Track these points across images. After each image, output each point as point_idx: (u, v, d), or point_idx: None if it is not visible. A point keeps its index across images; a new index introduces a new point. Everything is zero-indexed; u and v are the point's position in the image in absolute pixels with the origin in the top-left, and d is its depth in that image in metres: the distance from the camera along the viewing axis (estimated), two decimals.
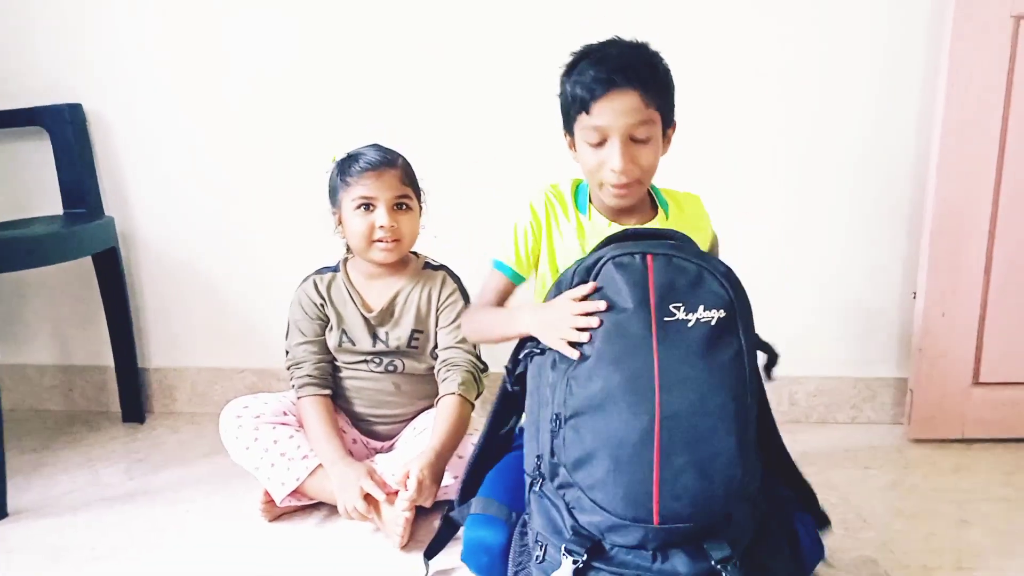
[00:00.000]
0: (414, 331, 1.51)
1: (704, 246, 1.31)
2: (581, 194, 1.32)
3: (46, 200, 1.90)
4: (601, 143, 1.18)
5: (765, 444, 1.17)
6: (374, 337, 1.51)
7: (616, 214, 1.30)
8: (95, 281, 1.89)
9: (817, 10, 1.75)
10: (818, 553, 1.17)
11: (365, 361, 1.52)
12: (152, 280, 1.98)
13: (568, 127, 1.25)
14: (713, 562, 0.92)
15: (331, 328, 1.52)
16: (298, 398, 1.49)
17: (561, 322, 1.02)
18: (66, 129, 1.84)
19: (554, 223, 1.31)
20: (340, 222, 1.50)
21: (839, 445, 1.81)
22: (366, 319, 1.51)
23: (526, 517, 1.05)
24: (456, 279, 1.55)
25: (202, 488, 1.58)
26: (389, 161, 1.46)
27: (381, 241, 1.45)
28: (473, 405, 1.49)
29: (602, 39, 1.22)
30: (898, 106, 1.78)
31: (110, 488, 1.59)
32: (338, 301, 1.52)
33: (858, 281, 1.87)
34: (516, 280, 1.33)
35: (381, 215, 1.43)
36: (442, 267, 1.57)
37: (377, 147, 1.49)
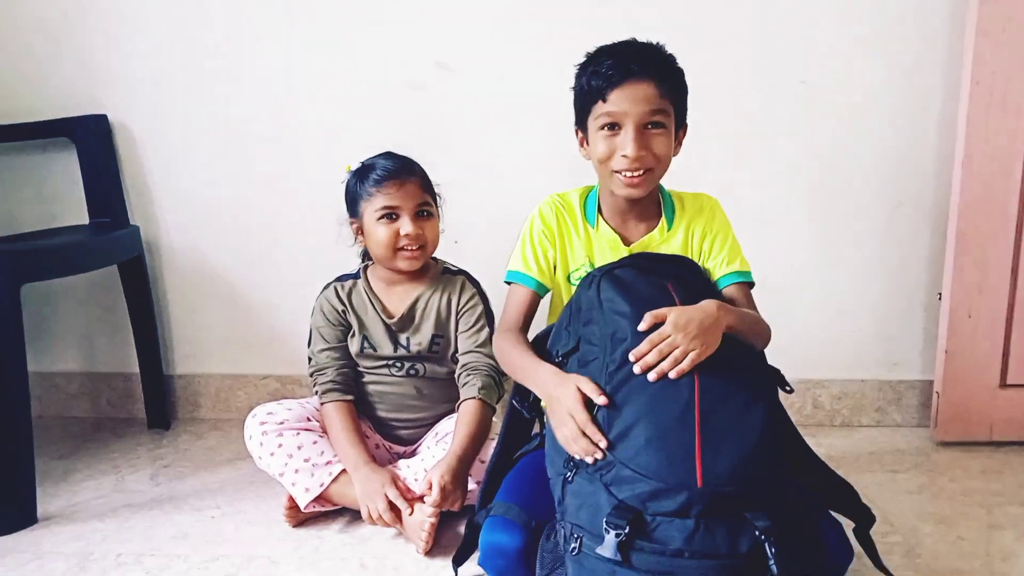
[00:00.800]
0: (435, 336, 1.52)
1: (698, 240, 1.32)
2: (590, 204, 1.33)
3: (73, 210, 1.93)
4: (615, 132, 1.20)
5: (789, 448, 1.18)
6: (395, 343, 1.52)
7: (623, 221, 1.32)
8: (120, 289, 1.92)
9: (839, 10, 1.74)
10: (846, 557, 1.16)
11: (387, 366, 1.52)
12: (176, 288, 2.00)
13: (581, 121, 1.26)
14: (756, 531, 0.91)
15: (353, 334, 1.52)
16: (321, 404, 1.50)
17: (569, 429, 1.02)
18: (92, 140, 1.87)
19: (564, 231, 1.32)
20: (359, 232, 1.51)
21: (864, 449, 1.79)
22: (387, 325, 1.52)
23: (554, 522, 1.05)
24: (475, 283, 1.56)
25: (228, 494, 1.59)
26: (409, 169, 1.47)
27: (405, 249, 1.46)
28: (494, 409, 1.49)
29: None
30: (921, 105, 1.76)
31: (136, 494, 1.60)
32: (359, 308, 1.53)
33: (882, 282, 1.85)
34: (540, 291, 1.32)
35: (406, 223, 1.44)
36: (461, 272, 1.57)
37: (391, 155, 1.50)
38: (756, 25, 1.76)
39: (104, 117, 1.89)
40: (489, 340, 1.49)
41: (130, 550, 1.38)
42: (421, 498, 1.34)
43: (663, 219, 1.31)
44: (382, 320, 1.52)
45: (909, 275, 1.84)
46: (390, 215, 1.45)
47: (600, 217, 1.31)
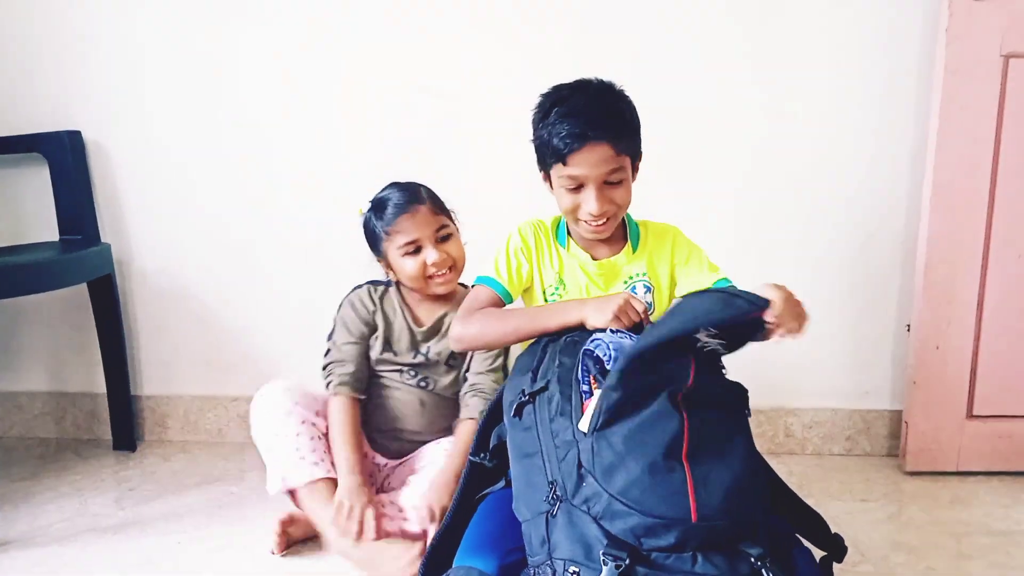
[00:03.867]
0: (453, 352, 1.53)
1: (665, 268, 1.39)
2: (561, 229, 1.41)
3: (43, 227, 1.90)
4: (577, 189, 1.27)
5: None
6: (416, 350, 1.52)
7: (591, 246, 1.38)
8: (89, 307, 1.88)
9: (812, 47, 1.78)
10: None
11: (400, 371, 1.52)
12: (146, 307, 1.97)
13: (543, 168, 1.33)
14: (752, 559, 0.92)
15: (376, 337, 1.52)
16: (332, 395, 1.48)
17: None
18: (64, 156, 1.85)
19: (539, 251, 1.38)
20: (388, 267, 1.52)
21: (835, 477, 1.81)
22: (413, 332, 1.53)
23: (529, 569, 1.03)
24: None
25: (195, 518, 1.57)
26: (416, 197, 1.48)
27: (436, 276, 1.48)
28: None
29: (570, 81, 1.28)
30: (892, 141, 1.80)
31: (100, 518, 1.57)
32: (389, 311, 1.54)
33: (852, 314, 1.88)
34: (506, 298, 1.37)
35: (430, 253, 1.46)
36: None
37: (396, 186, 1.51)
38: (727, 59, 1.79)
39: (78, 133, 1.87)
40: (501, 368, 1.52)
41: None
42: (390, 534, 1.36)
43: (628, 243, 1.39)
44: (409, 327, 1.53)
45: (879, 306, 1.87)
46: (414, 249, 1.46)
47: (570, 239, 1.39)
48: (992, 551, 1.45)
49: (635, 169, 1.32)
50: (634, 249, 1.38)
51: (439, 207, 1.51)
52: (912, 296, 1.79)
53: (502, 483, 1.25)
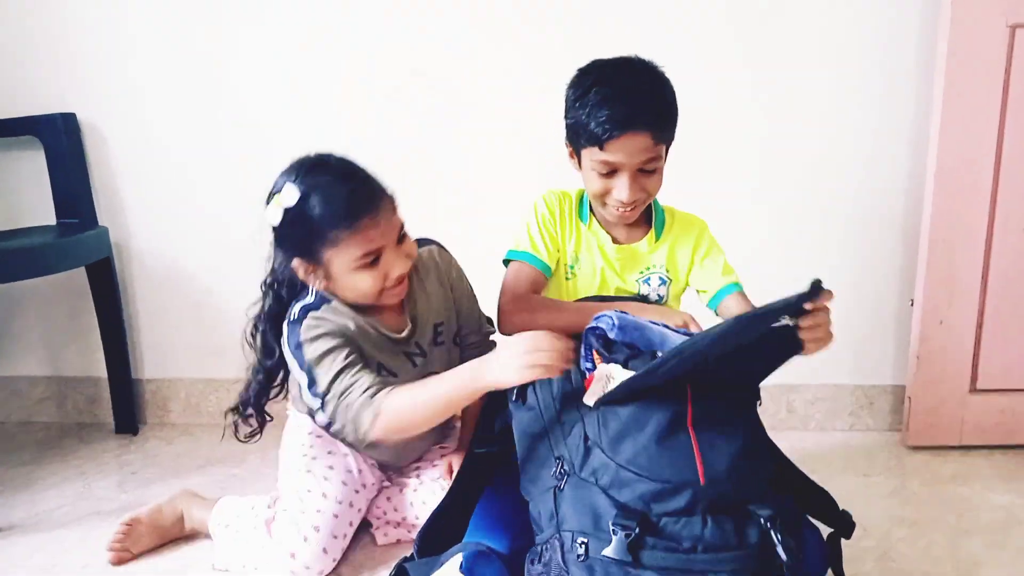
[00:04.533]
0: (436, 326, 1.33)
1: (685, 260, 1.37)
2: (584, 203, 1.38)
3: (39, 210, 1.89)
4: (610, 174, 1.23)
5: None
6: (411, 358, 1.31)
7: (612, 227, 1.36)
8: (88, 291, 1.88)
9: (813, 25, 1.75)
10: (820, 568, 1.17)
11: (395, 375, 1.30)
12: (146, 290, 1.96)
13: (573, 143, 1.28)
14: (762, 519, 0.93)
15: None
16: (378, 414, 1.11)
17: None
18: (60, 139, 1.83)
19: (563, 222, 1.35)
20: (312, 275, 1.20)
21: (838, 453, 1.81)
22: (395, 341, 1.28)
23: (536, 546, 1.03)
24: (444, 249, 1.39)
25: None
26: (377, 191, 1.18)
27: (393, 289, 1.21)
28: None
29: (611, 58, 1.24)
30: (895, 116, 1.78)
31: (103, 502, 1.57)
32: (361, 336, 1.23)
33: (856, 289, 1.86)
34: (546, 272, 1.32)
35: (395, 264, 1.19)
36: (426, 240, 1.36)
37: (331, 167, 1.19)
38: (729, 40, 1.76)
39: (73, 116, 1.85)
40: (482, 312, 1.41)
41: (97, 561, 1.34)
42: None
43: (652, 230, 1.35)
44: (389, 338, 1.27)
45: (882, 283, 1.86)
46: (372, 260, 1.16)
47: (592, 216, 1.35)
48: (991, 528, 1.45)
49: (666, 154, 1.28)
50: (657, 237, 1.35)
51: (394, 199, 1.19)
52: (914, 273, 1.77)
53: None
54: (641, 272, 1.37)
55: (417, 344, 1.31)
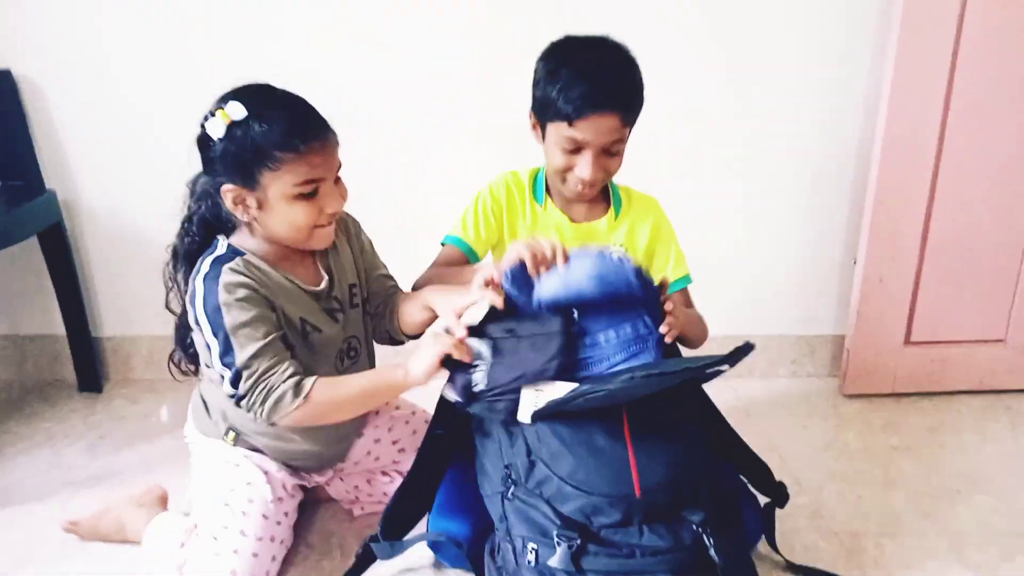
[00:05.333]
0: (351, 287, 1.30)
1: (644, 240, 1.39)
2: (538, 183, 1.38)
3: None
4: (575, 151, 1.24)
5: (716, 432, 1.28)
6: (331, 314, 1.25)
7: (569, 204, 1.37)
8: (40, 251, 1.85)
9: None
10: (757, 535, 1.29)
11: (335, 358, 1.28)
12: (100, 248, 1.94)
13: (539, 117, 1.28)
14: (694, 525, 1.01)
15: (289, 323, 1.19)
16: (303, 400, 1.10)
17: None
18: None
19: (512, 208, 1.36)
20: (242, 204, 1.14)
21: (779, 401, 1.92)
22: (312, 295, 1.23)
23: (495, 536, 1.11)
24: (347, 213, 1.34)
25: (168, 468, 1.58)
26: (323, 123, 1.15)
27: (324, 227, 1.17)
28: None
29: (584, 36, 1.24)
30: (846, 85, 1.80)
31: (74, 470, 1.60)
32: (274, 289, 1.17)
33: (802, 247, 1.94)
34: (471, 256, 1.35)
35: (331, 200, 1.15)
36: None
37: (281, 95, 1.15)
38: (685, 7, 1.75)
39: (8, 73, 1.77)
40: (388, 278, 1.37)
41: (74, 537, 1.38)
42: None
43: (611, 209, 1.37)
44: (306, 292, 1.21)
45: (826, 241, 1.93)
46: (309, 191, 1.12)
47: (548, 196, 1.37)
48: (915, 479, 1.58)
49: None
50: (616, 215, 1.37)
51: (336, 136, 1.16)
52: (858, 232, 1.84)
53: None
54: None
55: (337, 300, 1.26)
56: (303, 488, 1.39)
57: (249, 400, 1.11)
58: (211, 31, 1.77)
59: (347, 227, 1.33)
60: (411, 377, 1.10)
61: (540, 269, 1.08)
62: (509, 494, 1.06)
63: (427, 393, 1.19)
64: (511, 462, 1.08)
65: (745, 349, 0.99)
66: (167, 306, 1.28)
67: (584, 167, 1.24)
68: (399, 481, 1.37)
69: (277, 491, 1.28)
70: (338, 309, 1.27)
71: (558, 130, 1.23)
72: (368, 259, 1.35)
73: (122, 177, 1.88)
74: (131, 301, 1.98)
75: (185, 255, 1.23)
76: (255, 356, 1.10)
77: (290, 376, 1.11)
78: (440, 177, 1.85)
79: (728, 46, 1.78)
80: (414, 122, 1.82)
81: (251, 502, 1.23)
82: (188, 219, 1.24)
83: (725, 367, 0.99)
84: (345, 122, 1.17)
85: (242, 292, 1.12)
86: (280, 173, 1.09)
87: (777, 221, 1.91)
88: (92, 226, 1.92)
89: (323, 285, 1.24)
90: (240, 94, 1.13)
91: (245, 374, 1.10)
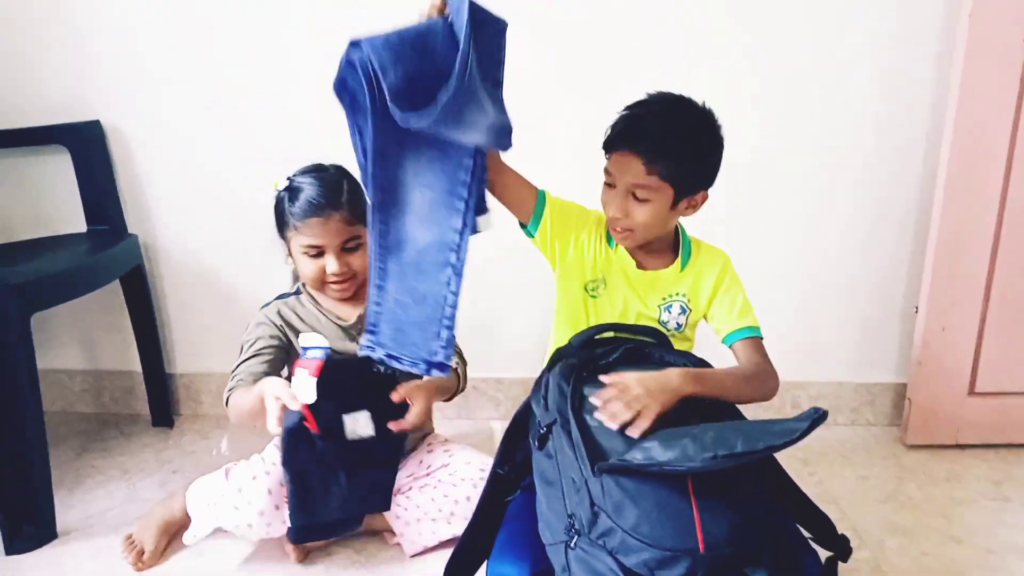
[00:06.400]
0: None
1: (707, 292, 1.41)
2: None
3: (69, 216, 1.94)
4: (610, 185, 1.32)
5: (776, 484, 1.28)
6: (352, 340, 1.47)
7: (638, 249, 1.40)
8: (120, 290, 1.95)
9: (827, 30, 1.76)
10: None
11: None
12: (175, 289, 2.04)
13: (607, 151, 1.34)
14: None
15: (288, 348, 1.47)
16: (224, 402, 1.39)
17: None
18: (85, 146, 1.87)
19: (588, 238, 1.40)
20: (290, 254, 1.47)
21: (838, 450, 1.90)
22: (343, 329, 1.48)
23: None
24: None
25: None
26: (333, 203, 1.39)
27: (333, 283, 1.44)
28: (458, 389, 1.52)
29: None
30: (909, 124, 1.81)
31: (148, 503, 1.66)
32: (308, 319, 1.48)
33: (863, 294, 1.93)
34: (540, 197, 1.36)
35: (331, 262, 1.41)
36: None
37: (319, 176, 1.42)
38: (736, 42, 1.78)
39: (97, 123, 1.88)
40: None
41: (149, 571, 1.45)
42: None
43: (679, 259, 1.40)
44: (337, 324, 1.48)
45: (888, 286, 1.92)
46: (315, 253, 1.41)
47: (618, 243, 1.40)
48: (980, 534, 1.55)
49: (693, 204, 1.32)
50: (683, 266, 1.40)
51: (356, 214, 1.40)
52: (920, 277, 1.83)
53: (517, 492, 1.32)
54: (663, 299, 1.42)
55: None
56: None
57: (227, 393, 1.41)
58: (282, 85, 1.87)
59: None
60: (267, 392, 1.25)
61: None
62: (572, 544, 1.08)
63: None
64: (574, 512, 1.09)
65: (820, 419, 1.00)
66: None
67: (610, 202, 1.31)
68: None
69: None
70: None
71: (606, 162, 1.31)
72: None
73: (197, 220, 1.98)
74: (203, 340, 2.07)
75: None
76: (239, 364, 1.42)
77: (237, 382, 1.39)
78: None
79: (790, 90, 1.80)
80: None
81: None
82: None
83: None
84: None
85: (261, 317, 1.48)
86: (294, 235, 1.42)
87: (837, 267, 1.91)
88: (168, 267, 2.02)
89: (352, 321, 1.48)
90: (297, 171, 1.45)
91: (232, 373, 1.43)
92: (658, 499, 1.04)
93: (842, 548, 1.30)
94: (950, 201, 1.73)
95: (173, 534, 1.51)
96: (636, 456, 1.03)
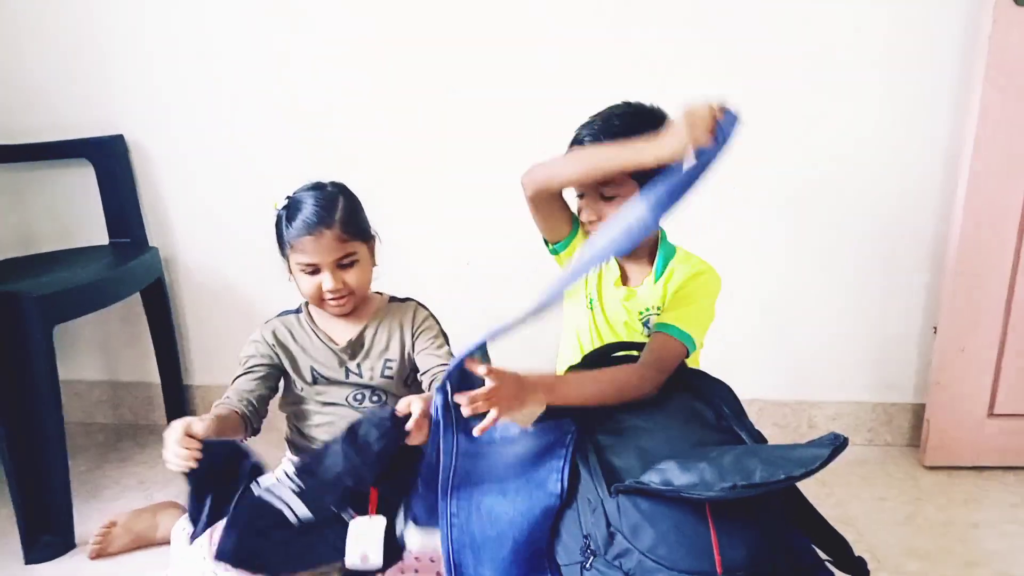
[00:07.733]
0: (386, 361, 1.46)
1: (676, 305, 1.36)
2: None
3: (90, 228, 1.97)
4: (582, 196, 1.37)
5: (793, 504, 1.27)
6: (346, 369, 1.46)
7: (626, 262, 1.43)
8: (138, 299, 1.97)
9: (847, 50, 1.76)
10: None
11: (346, 397, 1.45)
12: (193, 302, 2.06)
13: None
14: None
15: (297, 368, 1.46)
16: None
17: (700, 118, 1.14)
18: (108, 161, 1.90)
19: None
20: (291, 272, 1.46)
21: (856, 470, 1.88)
22: (334, 352, 1.46)
23: None
24: (425, 308, 1.53)
25: None
26: (325, 221, 1.38)
27: (330, 300, 1.42)
28: None
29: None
30: (928, 145, 1.80)
31: None
32: (301, 339, 1.47)
33: (881, 313, 1.92)
34: (573, 233, 1.40)
35: (326, 279, 1.40)
36: (409, 299, 1.55)
37: (314, 195, 1.41)
38: (759, 61, 1.78)
39: (120, 137, 1.92)
40: (449, 355, 1.45)
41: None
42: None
43: (652, 272, 1.39)
44: (328, 347, 1.46)
45: (906, 306, 1.91)
46: (311, 270, 1.40)
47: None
48: (999, 558, 1.53)
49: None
50: (656, 278, 1.38)
51: (351, 232, 1.40)
52: (938, 297, 1.82)
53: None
54: (640, 314, 1.40)
55: (357, 364, 1.46)
56: None
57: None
58: (300, 103, 1.90)
59: (404, 313, 1.50)
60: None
61: None
62: (588, 564, 1.08)
63: None
64: (590, 532, 1.10)
65: (841, 447, 1.00)
66: None
67: (583, 208, 1.36)
68: None
69: None
70: (355, 372, 1.46)
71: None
72: (420, 344, 1.47)
73: (217, 236, 2.01)
74: (220, 352, 2.09)
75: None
76: (235, 379, 1.47)
77: (225, 398, 1.44)
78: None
79: (810, 111, 1.81)
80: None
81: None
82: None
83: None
84: None
85: (256, 334, 1.50)
86: (291, 253, 1.42)
87: (856, 286, 1.90)
88: (187, 280, 2.04)
89: (343, 344, 1.46)
90: (299, 189, 1.45)
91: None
92: (675, 521, 1.04)
93: (859, 570, 1.29)
94: (969, 221, 1.72)
95: (144, 546, 1.57)
96: (653, 479, 1.03)
